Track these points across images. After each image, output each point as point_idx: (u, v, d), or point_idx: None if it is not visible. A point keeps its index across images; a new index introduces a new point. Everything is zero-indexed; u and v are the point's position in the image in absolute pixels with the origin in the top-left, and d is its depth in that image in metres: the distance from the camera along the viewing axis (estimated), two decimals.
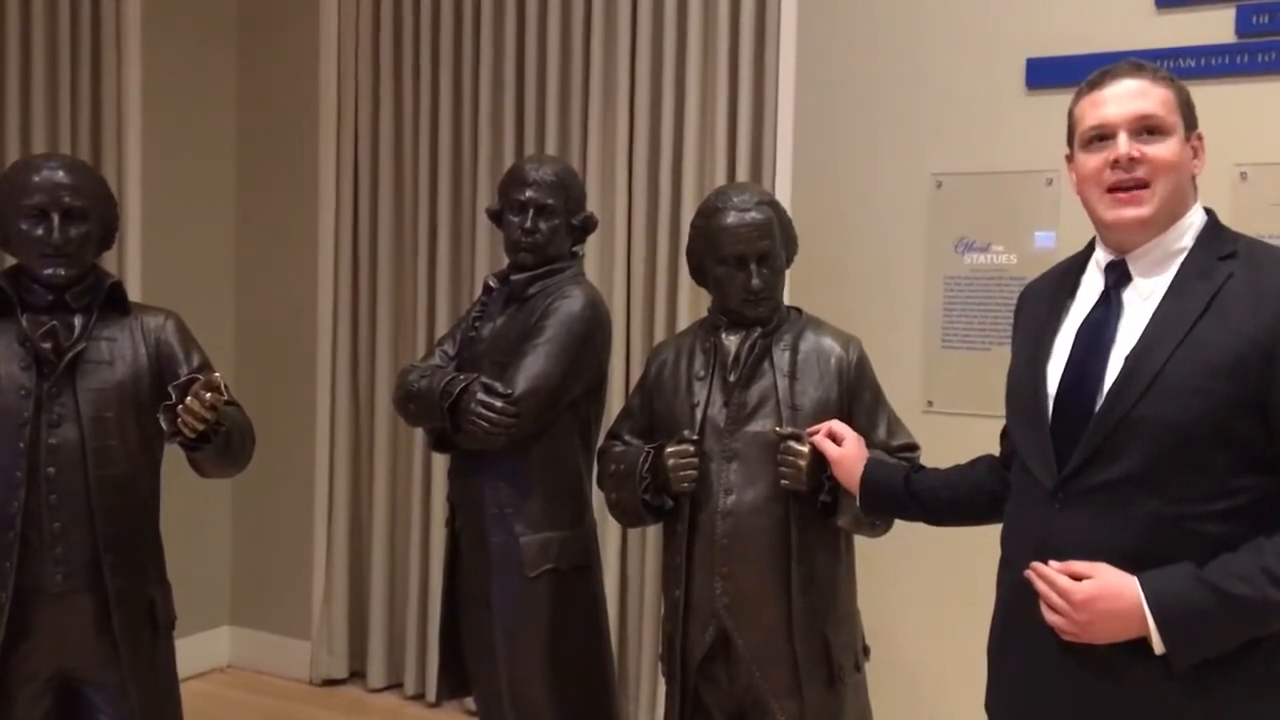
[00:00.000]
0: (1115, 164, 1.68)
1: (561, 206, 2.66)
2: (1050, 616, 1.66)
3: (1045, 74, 3.12)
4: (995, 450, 2.08)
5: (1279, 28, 2.89)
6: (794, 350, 2.34)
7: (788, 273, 2.44)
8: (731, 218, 2.32)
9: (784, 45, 3.48)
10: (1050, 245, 3.10)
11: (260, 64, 4.43)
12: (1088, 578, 1.62)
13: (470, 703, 3.03)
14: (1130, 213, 1.68)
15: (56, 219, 2.27)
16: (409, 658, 4.19)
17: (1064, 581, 1.63)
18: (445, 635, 2.78)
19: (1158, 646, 1.58)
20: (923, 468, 2.23)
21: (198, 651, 4.32)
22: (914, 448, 2.37)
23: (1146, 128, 1.68)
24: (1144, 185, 1.68)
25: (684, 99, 3.63)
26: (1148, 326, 1.66)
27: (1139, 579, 1.59)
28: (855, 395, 2.35)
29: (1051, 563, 1.66)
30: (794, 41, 3.47)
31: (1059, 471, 1.69)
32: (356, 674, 4.36)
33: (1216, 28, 2.95)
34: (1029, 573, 1.68)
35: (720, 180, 3.51)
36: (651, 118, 3.70)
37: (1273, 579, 1.54)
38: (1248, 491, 1.60)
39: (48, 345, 2.28)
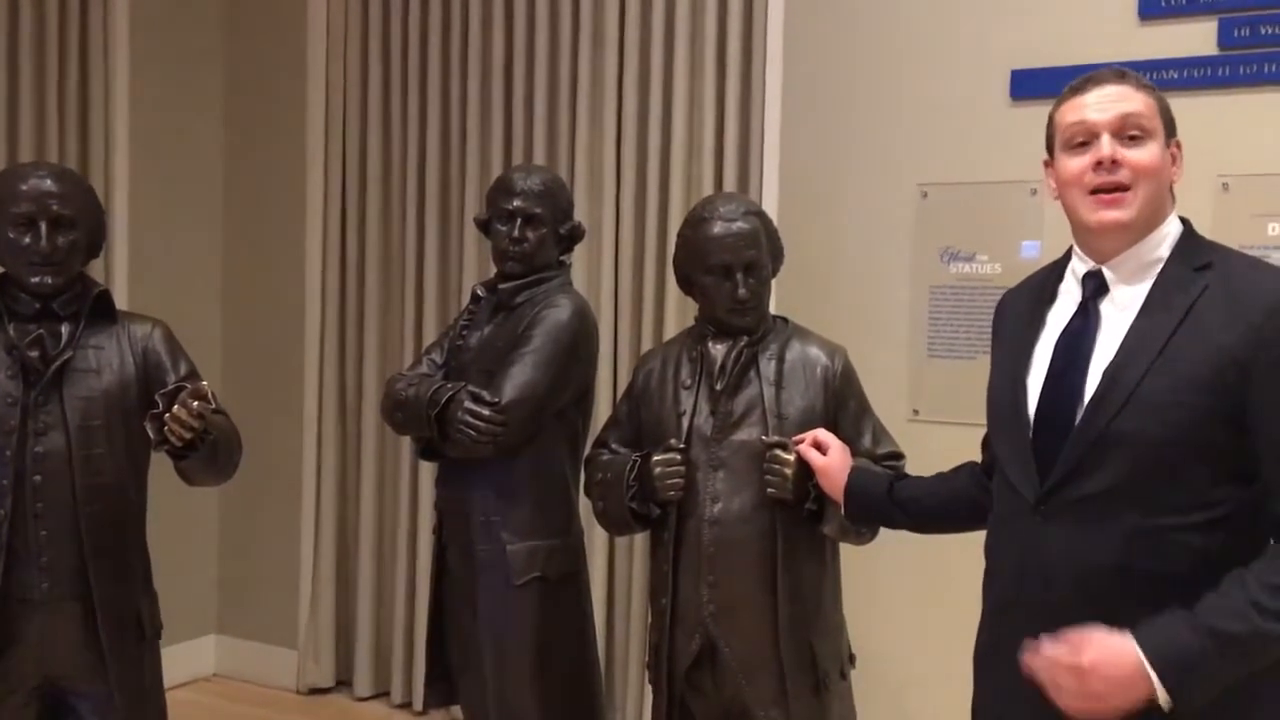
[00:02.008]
0: (1098, 165, 1.69)
1: (549, 216, 2.67)
2: (1064, 701, 1.59)
3: (1029, 85, 3.14)
4: (979, 459, 2.09)
5: (1260, 40, 2.92)
6: (780, 359, 2.35)
7: (774, 282, 2.46)
8: (718, 227, 2.33)
9: (770, 56, 3.50)
10: (1035, 255, 3.12)
11: (248, 73, 4.42)
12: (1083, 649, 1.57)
13: (457, 711, 3.02)
14: (1112, 215, 1.69)
15: (44, 227, 2.27)
16: (396, 666, 4.18)
17: (1067, 656, 1.57)
18: (432, 644, 2.78)
19: (1164, 701, 1.54)
20: (906, 476, 2.24)
21: (184, 660, 4.30)
22: (899, 456, 2.38)
23: (1129, 131, 1.70)
24: (1125, 189, 1.69)
25: (671, 109, 3.64)
26: (1125, 340, 1.67)
27: (1133, 636, 1.56)
28: (841, 404, 2.36)
29: (1043, 641, 1.61)
30: (780, 53, 3.48)
31: (1040, 485, 1.70)
32: (343, 683, 4.35)
33: (1199, 40, 2.98)
34: (1028, 660, 1.62)
35: (707, 190, 3.52)
36: (639, 128, 3.71)
37: (1262, 611, 1.53)
38: (1227, 503, 1.61)
39: (35, 354, 2.27)
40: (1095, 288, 1.74)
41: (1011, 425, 1.77)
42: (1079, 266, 1.78)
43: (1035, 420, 1.73)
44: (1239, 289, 1.63)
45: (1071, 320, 1.76)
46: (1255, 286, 1.63)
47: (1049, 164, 1.82)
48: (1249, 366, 1.58)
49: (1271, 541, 1.61)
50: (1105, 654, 1.55)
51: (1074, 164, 1.73)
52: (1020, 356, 1.80)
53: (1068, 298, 1.79)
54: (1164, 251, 1.71)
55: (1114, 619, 1.61)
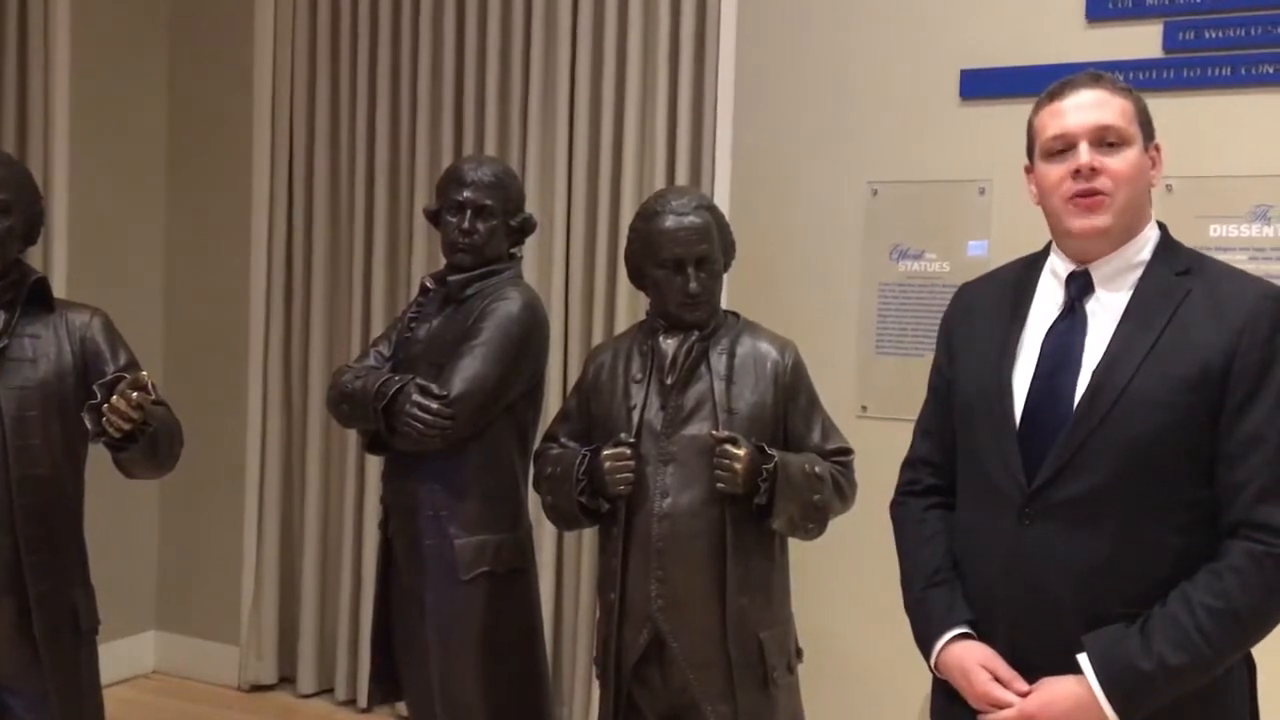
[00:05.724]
0: (1076, 174, 1.71)
1: (500, 207, 2.65)
2: None
3: (979, 85, 3.17)
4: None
5: (1205, 44, 2.96)
6: (731, 354, 2.35)
7: (725, 277, 2.46)
8: (670, 221, 2.33)
9: (723, 52, 3.50)
10: (982, 254, 3.15)
11: (193, 56, 4.35)
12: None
13: (402, 708, 3.00)
14: (1091, 221, 1.70)
15: None
16: (340, 663, 4.14)
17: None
18: (377, 640, 2.75)
19: (1112, 717, 1.61)
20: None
21: (123, 657, 4.23)
22: (848, 451, 2.40)
23: (1106, 139, 1.71)
24: (1103, 194, 1.70)
25: (624, 102, 3.64)
26: (1112, 341, 1.69)
27: (1088, 654, 1.62)
28: (791, 399, 2.37)
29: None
30: (733, 49, 3.49)
31: (1027, 484, 1.69)
32: (286, 679, 4.29)
33: (1144, 43, 3.02)
34: None
35: (659, 184, 3.52)
36: (591, 121, 3.69)
37: (1207, 639, 1.58)
38: (1202, 504, 1.65)
39: None
40: (1080, 288, 1.75)
41: (994, 421, 1.76)
42: (1060, 266, 1.79)
43: (1023, 418, 1.73)
44: (1222, 293, 1.67)
45: (1058, 320, 1.76)
46: (1238, 291, 1.67)
47: (1029, 169, 1.83)
48: (1229, 369, 1.62)
49: (1228, 539, 1.63)
50: (1052, 696, 1.64)
51: (1053, 172, 1.74)
52: (1003, 351, 1.79)
53: (1047, 297, 1.80)
54: (1145, 255, 1.74)
55: (1099, 618, 1.64)
